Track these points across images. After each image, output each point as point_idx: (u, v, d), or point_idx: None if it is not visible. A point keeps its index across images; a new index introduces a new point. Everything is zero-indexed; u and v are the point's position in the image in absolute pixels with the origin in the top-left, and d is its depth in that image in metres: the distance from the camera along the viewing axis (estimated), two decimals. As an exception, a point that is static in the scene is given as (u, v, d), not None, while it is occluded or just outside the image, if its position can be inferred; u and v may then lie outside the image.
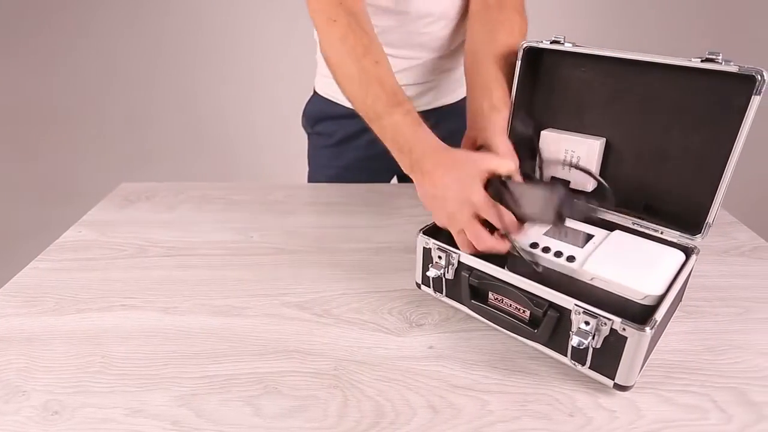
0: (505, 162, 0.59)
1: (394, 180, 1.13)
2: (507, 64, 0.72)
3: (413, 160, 0.61)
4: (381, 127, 0.64)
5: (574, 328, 0.49)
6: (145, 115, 2.07)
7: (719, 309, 0.64)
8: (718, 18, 1.89)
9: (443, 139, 1.00)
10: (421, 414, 0.49)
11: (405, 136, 0.62)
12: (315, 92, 1.05)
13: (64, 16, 1.86)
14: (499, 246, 0.56)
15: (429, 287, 0.63)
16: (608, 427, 0.48)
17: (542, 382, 0.53)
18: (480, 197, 0.56)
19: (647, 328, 0.46)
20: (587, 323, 0.48)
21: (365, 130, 1.00)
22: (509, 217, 0.56)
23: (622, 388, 0.50)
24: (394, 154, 0.64)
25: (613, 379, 0.49)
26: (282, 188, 0.98)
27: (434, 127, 0.99)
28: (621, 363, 0.48)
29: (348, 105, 0.98)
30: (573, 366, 0.52)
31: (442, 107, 0.99)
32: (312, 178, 1.10)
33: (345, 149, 1.02)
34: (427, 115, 0.97)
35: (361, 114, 0.67)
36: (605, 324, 0.47)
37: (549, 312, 0.51)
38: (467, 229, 0.57)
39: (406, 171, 0.63)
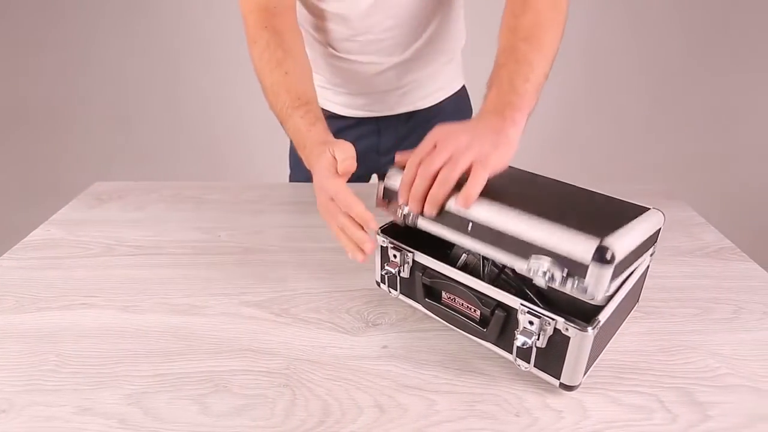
0: (340, 147, 0.59)
1: (374, 178, 1.13)
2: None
3: (306, 155, 0.65)
4: (288, 129, 0.69)
5: (519, 328, 0.50)
6: (133, 115, 2.07)
7: (677, 310, 0.64)
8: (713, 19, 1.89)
9: (416, 146, 1.00)
10: (367, 413, 0.49)
11: (301, 134, 0.66)
12: None
13: (46, 13, 1.86)
14: (360, 234, 0.56)
15: (386, 285, 0.63)
16: (553, 427, 0.48)
17: (492, 382, 0.53)
18: (328, 183, 0.58)
19: (590, 329, 0.46)
20: (531, 323, 0.48)
21: (342, 130, 1.01)
22: (359, 207, 0.56)
23: (568, 387, 0.50)
24: (299, 153, 0.67)
25: (559, 379, 0.50)
26: (254, 188, 0.98)
27: (411, 131, 0.99)
28: (565, 363, 0.48)
29: (325, 107, 0.99)
30: (519, 365, 0.52)
31: (417, 111, 0.99)
32: (293, 178, 1.10)
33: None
34: (404, 119, 0.97)
35: (278, 119, 0.72)
36: (549, 324, 0.47)
37: (496, 311, 0.51)
38: (331, 215, 0.58)
39: (308, 168, 0.65)
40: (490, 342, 0.54)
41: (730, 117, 2.03)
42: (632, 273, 0.55)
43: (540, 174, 0.65)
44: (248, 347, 0.58)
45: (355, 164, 0.59)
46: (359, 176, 1.06)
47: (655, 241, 0.56)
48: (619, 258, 0.44)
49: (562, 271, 0.45)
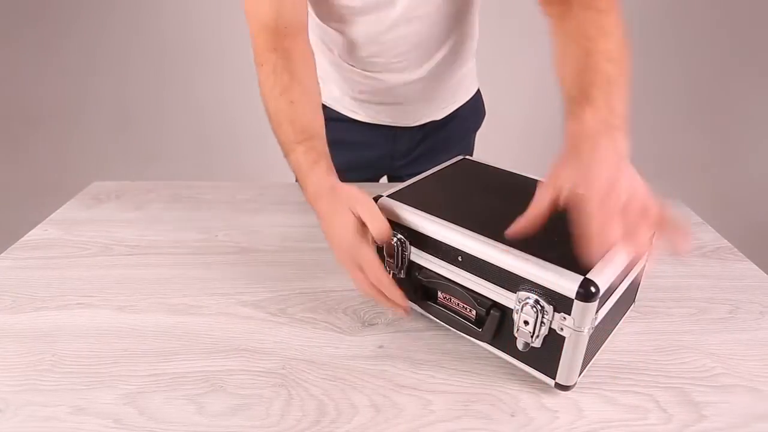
0: (367, 211, 0.55)
1: (384, 180, 1.13)
2: (602, 80, 0.59)
3: (307, 196, 0.63)
4: (290, 162, 0.67)
5: (516, 328, 0.50)
6: (132, 115, 2.07)
7: (673, 309, 0.64)
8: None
9: (431, 150, 1.00)
10: (362, 413, 0.49)
11: (302, 173, 0.64)
12: None
13: (43, 12, 1.86)
14: (390, 305, 0.56)
15: None
16: (548, 428, 0.48)
17: (488, 381, 0.53)
18: (358, 251, 0.55)
19: (585, 328, 0.46)
20: (527, 323, 0.48)
21: (357, 134, 1.00)
22: (393, 290, 0.55)
23: (564, 387, 0.50)
24: (301, 189, 0.66)
25: (554, 379, 0.50)
26: (252, 187, 0.98)
27: (427, 136, 0.99)
28: (561, 362, 0.48)
29: (334, 108, 0.99)
30: (516, 364, 0.52)
31: (428, 122, 0.99)
32: None
33: (336, 150, 1.02)
34: (417, 130, 0.97)
35: (280, 148, 0.69)
36: (544, 323, 0.47)
37: (492, 311, 0.51)
38: (358, 281, 0.57)
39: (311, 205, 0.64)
40: (486, 342, 0.54)
41: (729, 117, 2.02)
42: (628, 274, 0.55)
43: (530, 177, 0.66)
44: (245, 347, 0.58)
45: (389, 229, 0.56)
46: (369, 178, 1.05)
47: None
48: (603, 288, 0.45)
49: (549, 304, 0.47)
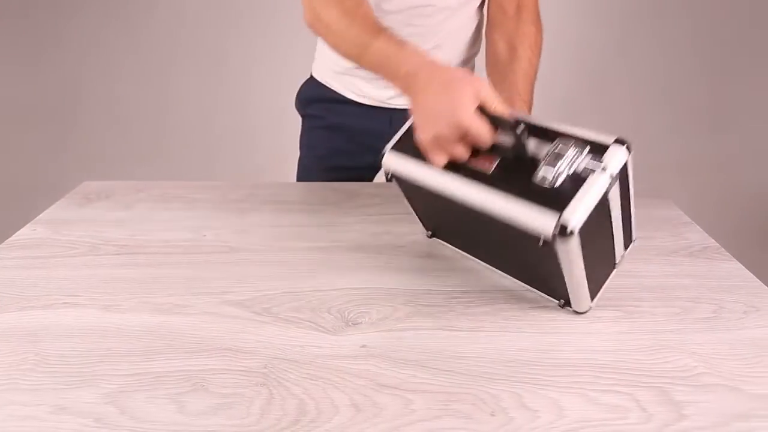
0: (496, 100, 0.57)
1: (380, 176, 1.15)
2: (527, 79, 0.83)
3: (403, 76, 0.62)
4: (370, 55, 0.66)
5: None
6: (124, 114, 2.07)
7: (658, 309, 0.64)
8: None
9: None
10: (342, 412, 0.49)
11: (391, 57, 0.64)
12: (311, 76, 1.08)
13: (35, 11, 1.86)
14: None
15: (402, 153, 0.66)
16: (528, 427, 0.48)
17: (469, 381, 0.53)
18: (473, 122, 0.56)
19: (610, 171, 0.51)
20: (559, 156, 0.53)
21: (353, 117, 1.02)
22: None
23: (564, 231, 0.51)
24: (389, 80, 0.65)
25: (560, 222, 0.51)
26: (242, 187, 0.98)
27: None
28: (572, 201, 0.51)
29: (338, 90, 1.01)
30: (518, 208, 0.54)
31: None
32: (303, 160, 1.12)
33: (335, 133, 1.05)
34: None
35: (350, 55, 0.70)
36: (574, 163, 0.52)
37: (520, 137, 0.54)
38: (452, 152, 0.58)
39: (403, 93, 0.64)
40: (494, 187, 0.56)
41: (720, 116, 2.03)
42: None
43: None
44: (228, 346, 0.58)
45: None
46: (370, 165, 1.06)
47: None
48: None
49: (584, 150, 0.53)
